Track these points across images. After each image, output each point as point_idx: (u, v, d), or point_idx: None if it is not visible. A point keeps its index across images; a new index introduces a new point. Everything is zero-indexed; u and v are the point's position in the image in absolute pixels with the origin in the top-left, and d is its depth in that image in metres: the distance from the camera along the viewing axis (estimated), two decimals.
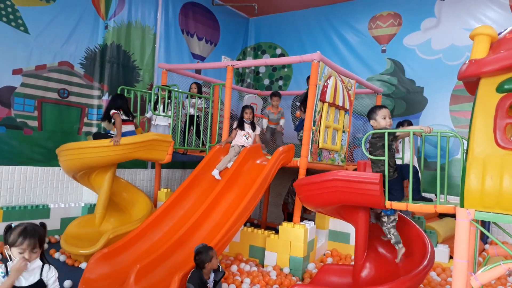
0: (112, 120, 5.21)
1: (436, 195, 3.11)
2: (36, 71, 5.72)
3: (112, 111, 5.11)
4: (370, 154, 3.26)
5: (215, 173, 5.01)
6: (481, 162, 2.48)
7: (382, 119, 3.39)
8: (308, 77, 6.12)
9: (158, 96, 5.86)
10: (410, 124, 6.36)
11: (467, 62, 2.60)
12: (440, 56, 6.89)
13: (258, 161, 5.17)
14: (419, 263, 3.29)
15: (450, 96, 6.71)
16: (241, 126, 5.50)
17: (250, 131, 5.51)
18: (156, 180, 6.37)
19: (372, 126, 3.52)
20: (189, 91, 6.60)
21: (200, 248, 3.37)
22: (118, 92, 5.90)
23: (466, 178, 2.53)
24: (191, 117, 6.38)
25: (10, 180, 5.46)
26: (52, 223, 5.59)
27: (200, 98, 6.51)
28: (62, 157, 4.99)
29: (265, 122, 5.84)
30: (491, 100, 2.49)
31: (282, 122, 6.47)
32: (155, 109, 5.77)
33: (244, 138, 5.41)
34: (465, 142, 2.69)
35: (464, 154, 2.66)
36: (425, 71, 7.01)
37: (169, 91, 5.88)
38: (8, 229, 2.39)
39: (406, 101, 7.18)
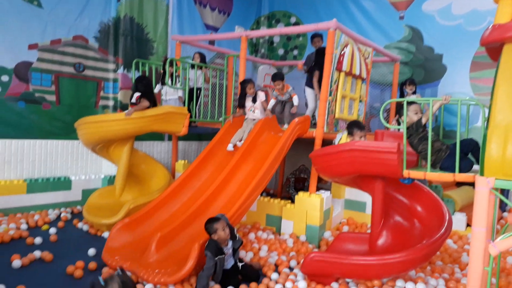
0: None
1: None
2: (52, 46, 5.75)
3: (136, 94, 5.12)
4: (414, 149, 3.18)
5: (229, 147, 5.01)
6: (502, 130, 2.44)
7: (414, 114, 3.27)
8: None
9: (165, 70, 5.82)
10: (412, 83, 6.24)
11: (490, 27, 2.52)
12: (461, 21, 6.67)
13: (273, 133, 5.17)
14: (436, 231, 3.31)
15: (471, 63, 6.53)
16: (241, 104, 5.28)
17: (252, 103, 5.24)
18: (173, 152, 6.45)
19: (402, 121, 3.38)
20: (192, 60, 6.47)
21: (208, 219, 3.44)
22: (133, 64, 5.90)
23: (486, 146, 2.49)
24: (197, 89, 6.31)
25: (32, 153, 5.60)
26: (74, 195, 5.77)
27: (205, 68, 6.34)
28: (81, 130, 5.07)
29: (272, 102, 5.46)
30: None
31: (295, 100, 5.45)
32: (163, 83, 5.78)
33: (250, 112, 5.30)
34: (486, 110, 2.64)
35: (485, 122, 2.62)
36: (445, 37, 6.81)
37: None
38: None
39: (425, 69, 7.02)
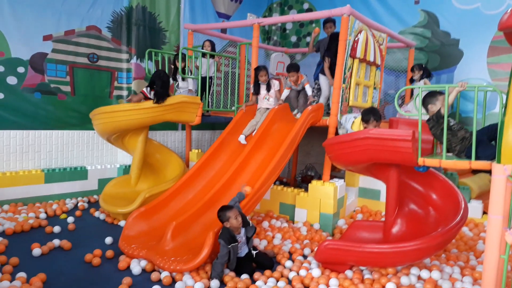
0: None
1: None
2: (66, 37, 5.80)
3: (144, 89, 5.21)
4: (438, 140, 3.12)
5: (241, 138, 5.01)
6: None
7: (442, 106, 3.18)
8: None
9: (175, 65, 5.81)
10: (419, 68, 6.12)
11: (508, 11, 2.45)
12: (478, 5, 6.49)
13: (286, 121, 5.15)
14: (452, 219, 3.28)
15: (488, 47, 6.37)
16: (256, 91, 5.28)
17: (266, 92, 5.21)
18: (187, 142, 6.49)
19: (428, 109, 3.31)
20: (202, 49, 6.39)
21: (221, 207, 3.47)
22: (146, 54, 5.92)
23: (504, 133, 2.44)
24: (209, 78, 6.25)
25: (48, 143, 5.70)
26: (90, 184, 5.87)
27: (216, 56, 6.30)
28: (96, 120, 5.13)
29: (285, 92, 5.43)
30: None
31: (308, 90, 5.28)
32: (174, 79, 5.79)
33: (265, 100, 5.27)
34: (504, 96, 2.58)
35: (503, 109, 2.56)
36: (461, 22, 6.65)
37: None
38: None
39: (440, 55, 6.88)
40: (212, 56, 6.22)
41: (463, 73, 6.61)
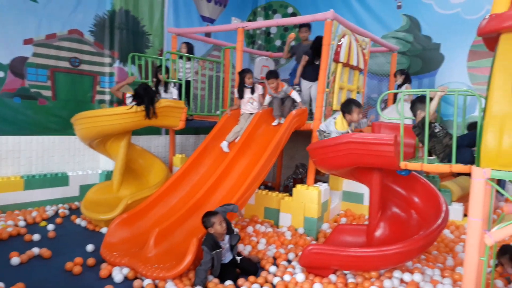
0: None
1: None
2: (47, 40, 5.71)
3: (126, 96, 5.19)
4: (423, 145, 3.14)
5: (224, 145, 4.95)
6: (498, 121, 2.42)
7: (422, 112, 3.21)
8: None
9: (158, 79, 5.78)
10: (400, 73, 6.20)
11: (487, 16, 2.49)
12: (459, 10, 6.61)
13: (271, 125, 5.15)
14: (433, 222, 3.31)
15: (468, 52, 6.50)
16: (241, 95, 5.24)
17: (251, 95, 5.20)
18: (171, 146, 6.44)
19: (416, 115, 3.33)
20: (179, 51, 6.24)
21: (206, 213, 3.45)
22: (129, 58, 5.86)
23: (482, 137, 2.48)
24: (188, 82, 6.06)
25: (28, 149, 5.59)
26: (72, 191, 5.76)
27: (195, 59, 6.14)
28: (78, 125, 5.05)
29: (267, 98, 5.23)
30: (511, 56, 2.40)
31: (296, 97, 5.01)
32: (157, 88, 5.75)
33: (249, 104, 5.24)
34: (483, 100, 2.62)
35: (482, 113, 2.61)
36: (442, 26, 6.77)
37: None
38: None
39: (422, 59, 6.99)
40: (189, 59, 6.10)
41: (444, 77, 6.72)
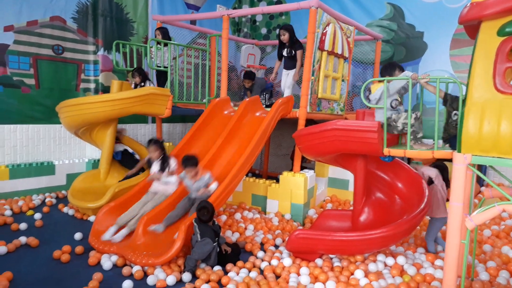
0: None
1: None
2: (28, 27, 5.59)
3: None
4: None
5: (106, 236, 3.74)
6: (479, 107, 2.49)
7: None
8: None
9: (135, 84, 5.77)
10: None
11: (468, 5, 2.55)
12: None
13: (257, 114, 5.19)
14: (416, 207, 3.41)
15: (451, 40, 6.60)
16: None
17: (160, 170, 4.22)
18: (158, 135, 6.42)
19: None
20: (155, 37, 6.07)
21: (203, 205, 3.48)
22: (113, 46, 5.80)
23: (463, 123, 2.56)
24: (165, 67, 5.92)
25: (12, 138, 5.51)
26: (58, 179, 5.72)
27: (166, 45, 5.93)
28: (62, 114, 5.00)
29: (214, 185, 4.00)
30: (491, 44, 2.47)
31: (213, 188, 3.96)
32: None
33: (160, 183, 4.21)
34: (464, 88, 2.69)
35: (462, 100, 2.68)
36: (426, 15, 6.84)
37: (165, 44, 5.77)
38: None
39: (406, 47, 7.07)
40: (165, 45, 5.91)
41: (427, 65, 6.81)
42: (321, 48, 4.99)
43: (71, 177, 5.70)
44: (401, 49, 7.13)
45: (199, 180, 3.93)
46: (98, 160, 5.64)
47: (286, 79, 5.64)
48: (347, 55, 5.61)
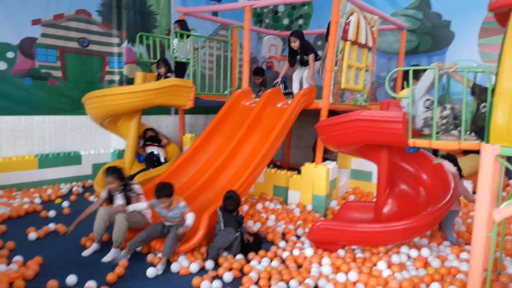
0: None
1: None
2: (55, 21, 5.72)
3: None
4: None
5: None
6: (509, 97, 2.42)
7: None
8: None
9: (159, 74, 5.81)
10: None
11: None
12: None
13: (279, 105, 5.17)
14: (441, 199, 3.35)
15: (479, 29, 6.39)
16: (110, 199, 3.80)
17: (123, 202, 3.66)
18: (180, 126, 6.50)
19: None
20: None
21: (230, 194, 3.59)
22: (137, 38, 5.87)
23: (492, 113, 2.49)
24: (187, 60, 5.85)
25: (41, 129, 5.68)
26: (84, 169, 5.88)
27: (183, 37, 5.78)
28: (88, 105, 5.12)
29: (191, 217, 3.49)
30: None
31: (189, 220, 3.45)
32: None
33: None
34: (493, 77, 2.62)
35: (492, 90, 2.60)
36: (453, 3, 6.64)
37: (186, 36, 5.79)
38: None
39: (432, 36, 6.90)
40: (187, 36, 5.77)
41: (454, 55, 6.63)
42: (344, 38, 4.92)
43: (96, 167, 5.84)
44: (427, 39, 6.96)
45: (174, 208, 3.48)
46: (123, 151, 5.75)
47: (303, 74, 5.59)
48: (371, 45, 5.51)
